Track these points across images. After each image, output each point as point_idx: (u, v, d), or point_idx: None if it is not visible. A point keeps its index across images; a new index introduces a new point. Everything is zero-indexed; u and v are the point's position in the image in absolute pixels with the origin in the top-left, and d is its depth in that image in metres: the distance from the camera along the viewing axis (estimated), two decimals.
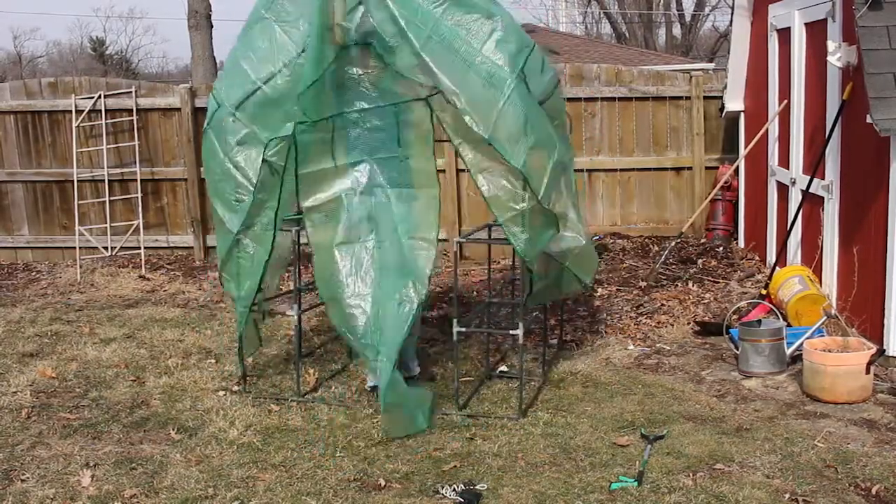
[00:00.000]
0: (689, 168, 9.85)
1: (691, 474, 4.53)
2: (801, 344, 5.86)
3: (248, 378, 5.94)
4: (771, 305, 6.91)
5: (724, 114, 9.43)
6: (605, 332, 7.00)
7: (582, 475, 4.56)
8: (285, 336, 6.99)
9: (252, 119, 5.38)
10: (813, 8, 6.99)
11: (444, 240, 7.63)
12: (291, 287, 6.10)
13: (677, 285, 8.04)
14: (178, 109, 9.96)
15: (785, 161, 7.82)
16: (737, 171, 9.30)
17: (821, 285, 6.84)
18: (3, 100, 10.10)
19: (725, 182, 9.26)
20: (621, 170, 9.94)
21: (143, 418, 5.48)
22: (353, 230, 5.68)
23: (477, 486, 4.44)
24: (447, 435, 5.10)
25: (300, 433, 5.16)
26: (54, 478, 4.66)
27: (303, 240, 5.86)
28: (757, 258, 8.67)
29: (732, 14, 9.17)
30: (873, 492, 4.34)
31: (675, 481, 4.46)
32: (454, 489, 4.41)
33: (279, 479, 4.60)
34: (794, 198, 7.43)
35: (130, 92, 9.94)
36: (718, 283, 8.08)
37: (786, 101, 7.71)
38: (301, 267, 6.06)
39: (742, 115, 9.26)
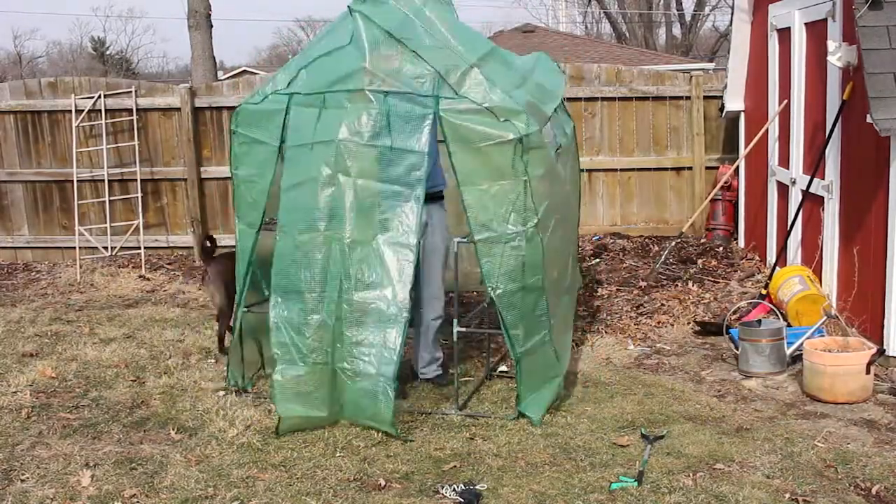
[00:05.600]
0: (689, 168, 9.86)
1: (691, 474, 4.53)
2: (802, 344, 5.86)
3: (246, 378, 5.92)
4: (771, 305, 6.91)
5: (724, 114, 9.43)
6: (605, 332, 7.00)
7: (582, 475, 4.56)
8: None
9: None
10: (813, 8, 6.99)
11: None
12: None
13: (677, 285, 8.04)
14: (178, 109, 9.95)
15: (785, 161, 7.82)
16: (737, 170, 9.30)
17: (821, 285, 6.84)
18: (3, 100, 10.09)
19: (725, 182, 9.26)
20: (621, 170, 9.94)
21: (143, 418, 5.48)
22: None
23: (477, 486, 4.44)
24: (447, 435, 5.10)
25: (300, 433, 5.16)
26: (54, 478, 4.66)
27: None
28: (757, 258, 8.67)
29: (732, 14, 9.17)
30: (873, 492, 4.34)
31: (675, 481, 4.46)
32: (454, 489, 4.41)
33: (279, 479, 4.60)
34: (795, 198, 7.43)
35: (130, 92, 9.94)
36: (718, 283, 8.08)
37: (786, 101, 7.71)
38: None
39: (742, 115, 9.26)
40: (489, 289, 5.13)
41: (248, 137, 5.44)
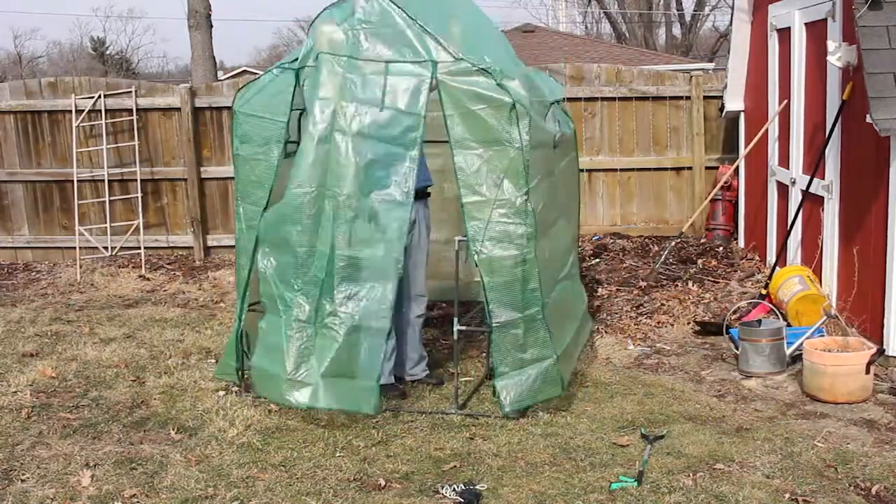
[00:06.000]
0: (689, 168, 9.86)
1: (691, 474, 4.53)
2: (801, 344, 5.86)
3: (246, 377, 5.91)
4: (771, 305, 6.91)
5: (724, 114, 9.43)
6: (605, 332, 7.00)
7: (582, 475, 4.56)
8: None
9: None
10: (813, 8, 6.99)
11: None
12: None
13: (677, 285, 8.04)
14: (178, 109, 9.95)
15: (785, 161, 7.82)
16: (737, 170, 9.30)
17: (821, 285, 6.84)
18: (3, 100, 10.09)
19: (725, 182, 9.26)
20: (621, 170, 9.94)
21: (143, 418, 5.48)
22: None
23: (477, 486, 4.44)
24: (447, 435, 5.10)
25: (300, 433, 5.16)
26: (54, 478, 4.66)
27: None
28: (757, 258, 8.67)
29: (732, 14, 9.18)
30: (873, 492, 4.34)
31: (675, 481, 4.46)
32: (454, 489, 4.41)
33: (279, 479, 4.60)
34: (794, 198, 7.43)
35: (130, 92, 9.94)
36: (718, 283, 8.08)
37: (786, 101, 7.71)
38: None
39: (742, 115, 9.26)
40: (472, 252, 5.12)
41: (250, 115, 5.46)
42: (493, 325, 5.17)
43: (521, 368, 5.23)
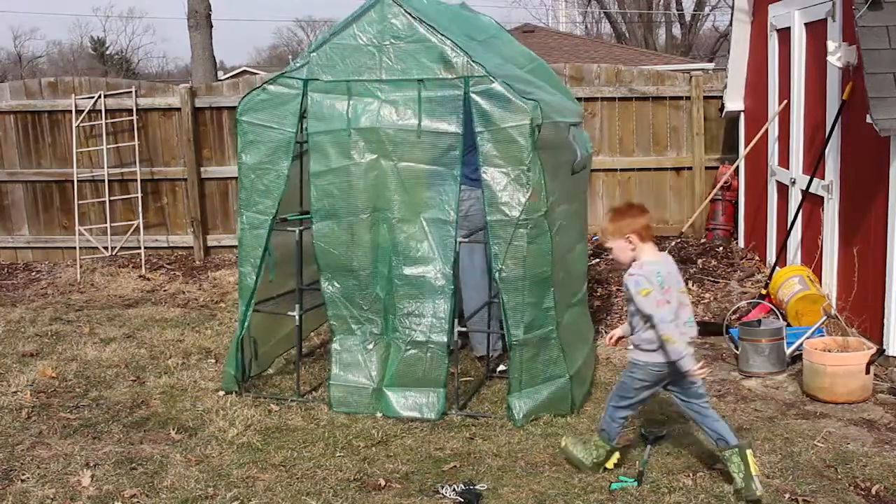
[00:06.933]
0: (689, 168, 9.86)
1: (691, 474, 4.53)
2: (801, 344, 5.86)
3: (248, 378, 5.92)
4: (771, 305, 6.91)
5: (724, 114, 9.43)
6: (605, 332, 6.99)
7: (582, 475, 4.56)
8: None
9: None
10: (813, 8, 6.99)
11: None
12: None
13: None
14: (178, 109, 9.95)
15: (785, 161, 7.83)
16: (737, 171, 9.30)
17: (821, 285, 6.84)
18: (3, 100, 10.09)
19: (725, 182, 9.26)
20: (621, 170, 9.94)
21: (143, 418, 5.48)
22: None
23: (477, 486, 4.44)
24: (447, 435, 5.10)
25: (300, 433, 5.17)
26: (54, 478, 4.66)
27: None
28: (757, 258, 8.67)
29: (732, 14, 9.18)
30: (873, 492, 4.34)
31: (675, 481, 4.46)
32: (454, 489, 4.41)
33: (279, 479, 4.60)
34: (794, 198, 7.43)
35: (130, 92, 9.94)
36: (718, 283, 8.07)
37: (786, 101, 7.71)
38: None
39: (742, 115, 9.26)
40: (495, 271, 5.19)
41: (256, 125, 5.47)
42: (512, 343, 5.22)
43: (534, 386, 5.29)
